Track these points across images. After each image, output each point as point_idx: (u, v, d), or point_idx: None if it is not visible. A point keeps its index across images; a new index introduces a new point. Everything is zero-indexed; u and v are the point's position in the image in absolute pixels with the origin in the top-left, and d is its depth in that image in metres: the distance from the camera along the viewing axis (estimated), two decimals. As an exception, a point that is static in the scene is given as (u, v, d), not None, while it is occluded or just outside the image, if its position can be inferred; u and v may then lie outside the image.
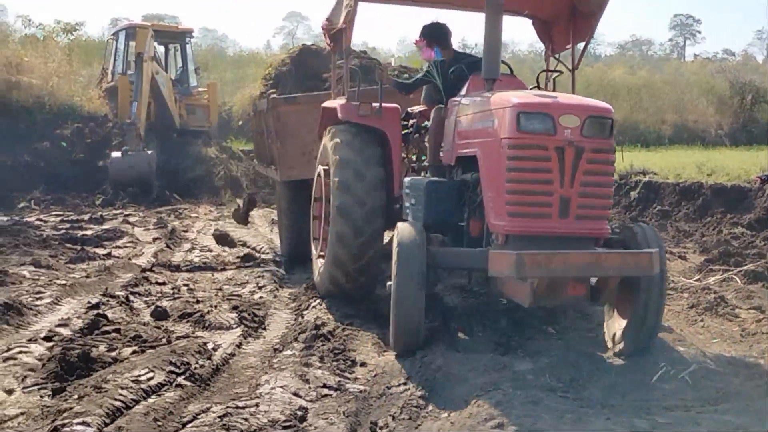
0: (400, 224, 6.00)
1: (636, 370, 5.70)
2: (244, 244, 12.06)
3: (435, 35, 7.62)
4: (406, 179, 6.95)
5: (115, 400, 4.79)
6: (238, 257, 10.70)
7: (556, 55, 7.83)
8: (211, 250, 11.42)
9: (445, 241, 6.18)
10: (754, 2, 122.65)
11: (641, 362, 5.81)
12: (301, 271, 9.69)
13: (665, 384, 5.42)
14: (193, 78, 24.08)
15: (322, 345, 6.19)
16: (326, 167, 7.68)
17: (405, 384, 5.45)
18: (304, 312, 7.49)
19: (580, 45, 7.60)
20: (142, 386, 5.08)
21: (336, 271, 7.23)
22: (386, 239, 7.51)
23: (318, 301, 7.68)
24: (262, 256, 10.99)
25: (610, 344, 6.13)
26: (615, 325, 6.12)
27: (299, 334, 6.54)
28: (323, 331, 6.47)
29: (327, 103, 8.26)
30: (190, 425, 4.66)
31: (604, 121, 5.62)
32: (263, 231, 14.02)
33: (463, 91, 6.70)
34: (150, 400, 4.93)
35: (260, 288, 8.76)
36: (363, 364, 5.92)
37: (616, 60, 57.53)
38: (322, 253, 7.68)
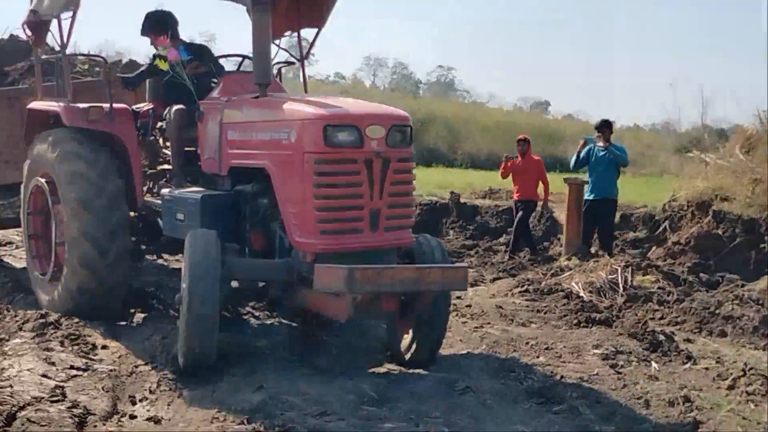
0: (192, 232, 5.45)
1: (355, 348, 6.51)
2: None
3: (165, 26, 6.98)
4: (166, 191, 6.47)
5: None
6: None
7: (277, 43, 7.29)
8: None
9: (241, 252, 5.83)
10: (363, 31, 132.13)
11: (356, 340, 6.66)
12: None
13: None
14: None
15: (55, 332, 6.18)
16: (47, 179, 6.97)
17: (153, 363, 5.74)
18: (9, 305, 7.31)
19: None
20: None
21: (81, 297, 6.59)
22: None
23: (21, 295, 7.54)
24: None
25: (405, 354, 6.05)
26: (406, 337, 6.06)
27: (23, 324, 6.45)
28: (50, 320, 6.44)
29: (37, 104, 7.43)
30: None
31: (405, 130, 5.55)
32: None
33: (216, 93, 6.43)
34: None
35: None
36: (104, 347, 6.05)
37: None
38: (53, 276, 6.99)
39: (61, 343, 5.95)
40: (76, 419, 4.56)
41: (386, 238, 5.46)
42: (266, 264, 5.72)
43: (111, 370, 5.58)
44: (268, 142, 5.62)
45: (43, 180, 7.02)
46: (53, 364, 5.50)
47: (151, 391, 5.26)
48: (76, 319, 6.56)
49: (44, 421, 4.44)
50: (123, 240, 6.58)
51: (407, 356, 5.97)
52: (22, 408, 4.61)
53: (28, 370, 5.33)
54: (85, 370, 5.50)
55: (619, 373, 5.97)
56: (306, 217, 5.33)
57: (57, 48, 7.54)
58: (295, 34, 7.48)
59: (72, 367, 5.50)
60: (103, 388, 5.19)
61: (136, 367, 5.70)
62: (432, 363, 5.91)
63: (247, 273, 5.68)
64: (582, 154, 11.59)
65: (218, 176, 6.24)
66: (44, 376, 5.25)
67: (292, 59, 7.54)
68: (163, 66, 6.62)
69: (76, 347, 5.92)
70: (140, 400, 5.14)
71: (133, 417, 4.82)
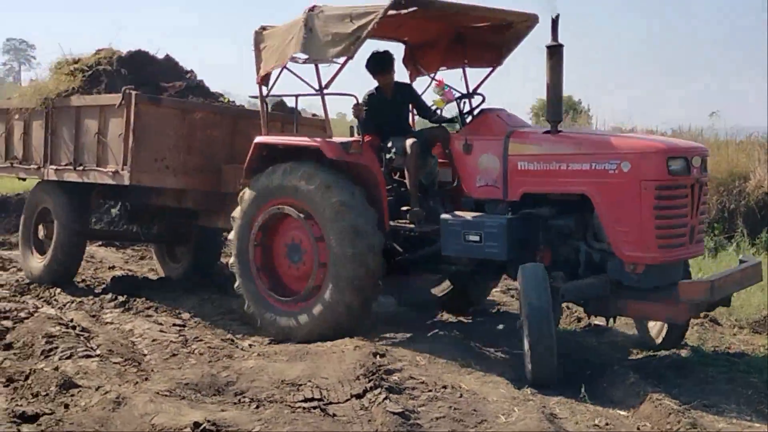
0: (523, 267, 6.10)
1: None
2: None
3: (387, 65, 7.78)
4: (447, 216, 7.02)
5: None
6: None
7: (432, 76, 8.22)
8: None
9: (565, 276, 6.37)
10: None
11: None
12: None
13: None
14: None
15: (137, 305, 8.53)
16: (298, 210, 7.32)
17: (220, 319, 8.33)
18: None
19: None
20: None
21: (347, 316, 7.15)
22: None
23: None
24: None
25: (657, 339, 7.20)
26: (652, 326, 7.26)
27: (102, 304, 8.70)
28: (122, 299, 8.73)
29: (271, 139, 7.85)
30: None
31: (707, 159, 6.60)
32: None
33: (475, 126, 7.26)
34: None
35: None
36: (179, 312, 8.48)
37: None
38: (301, 298, 7.40)
39: (155, 311, 8.35)
40: (233, 347, 7.21)
41: (696, 249, 6.62)
42: (589, 283, 6.45)
43: (199, 323, 8.04)
44: (589, 172, 6.39)
45: (291, 209, 7.37)
46: (161, 324, 7.85)
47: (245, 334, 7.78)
48: (144, 296, 8.84)
49: (215, 348, 7.06)
50: (381, 261, 7.18)
51: (659, 341, 7.17)
52: (185, 344, 7.19)
53: (147, 328, 7.66)
54: (183, 326, 7.89)
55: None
56: (642, 235, 6.19)
57: None
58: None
59: (174, 325, 7.88)
60: (213, 333, 7.71)
61: (212, 320, 8.22)
62: (681, 342, 7.20)
63: (576, 295, 6.52)
64: None
65: (494, 201, 7.00)
66: (162, 331, 7.59)
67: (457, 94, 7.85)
68: (441, 104, 7.63)
69: (164, 313, 8.33)
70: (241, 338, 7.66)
71: (251, 346, 7.40)
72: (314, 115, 9.52)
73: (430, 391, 5.64)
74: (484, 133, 7.15)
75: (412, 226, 7.32)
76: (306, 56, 7.29)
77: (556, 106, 6.69)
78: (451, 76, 8.28)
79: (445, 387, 5.73)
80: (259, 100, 8.01)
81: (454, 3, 7.32)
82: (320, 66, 7.34)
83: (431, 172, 7.67)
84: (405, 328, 7.68)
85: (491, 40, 8.02)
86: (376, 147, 7.64)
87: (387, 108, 7.76)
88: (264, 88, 7.91)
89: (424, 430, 4.98)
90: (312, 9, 7.22)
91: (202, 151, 8.99)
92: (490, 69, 8.18)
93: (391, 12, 6.97)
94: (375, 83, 7.86)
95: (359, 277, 7.03)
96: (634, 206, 6.15)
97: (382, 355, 6.39)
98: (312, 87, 7.47)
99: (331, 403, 5.44)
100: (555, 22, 6.50)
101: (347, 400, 5.47)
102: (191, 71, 10.42)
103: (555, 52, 6.54)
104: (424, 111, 8.03)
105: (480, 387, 5.84)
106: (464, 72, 8.25)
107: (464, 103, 7.72)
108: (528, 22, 7.76)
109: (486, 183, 7.03)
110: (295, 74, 7.64)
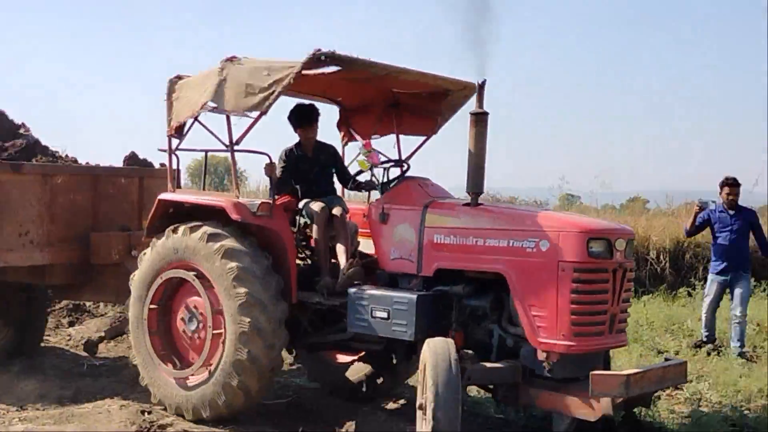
0: (430, 342, 5.58)
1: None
2: None
3: (312, 118, 7.19)
4: (354, 289, 6.39)
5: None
6: None
7: (366, 143, 7.17)
8: None
9: (475, 357, 5.86)
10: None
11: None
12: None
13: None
14: None
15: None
16: (192, 272, 6.66)
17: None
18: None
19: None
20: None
21: (238, 393, 6.40)
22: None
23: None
24: None
25: None
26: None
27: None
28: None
29: (177, 196, 7.12)
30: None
31: (633, 243, 6.09)
32: None
33: (394, 195, 6.68)
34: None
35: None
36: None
37: None
38: (200, 373, 6.64)
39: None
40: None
41: (616, 340, 5.97)
42: (500, 368, 5.88)
43: None
44: (506, 249, 5.89)
45: (187, 272, 6.71)
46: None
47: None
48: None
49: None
50: (284, 336, 6.50)
51: None
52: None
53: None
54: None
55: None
56: (558, 320, 5.63)
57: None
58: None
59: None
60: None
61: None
62: None
63: (485, 378, 5.99)
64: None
65: (407, 276, 6.47)
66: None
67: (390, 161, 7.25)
68: (364, 167, 6.93)
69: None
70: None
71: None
72: (162, 165, 8.68)
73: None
74: (402, 203, 6.61)
75: (319, 299, 6.66)
76: (215, 105, 6.55)
77: (477, 177, 6.14)
78: (384, 143, 7.66)
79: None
80: (168, 154, 7.22)
81: (381, 64, 6.48)
82: (233, 121, 6.60)
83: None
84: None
85: (427, 108, 7.50)
86: (292, 210, 7.04)
87: (306, 166, 7.17)
88: (174, 141, 7.13)
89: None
90: (230, 59, 6.60)
91: (65, 219, 8.03)
92: (424, 138, 7.65)
93: (316, 70, 6.55)
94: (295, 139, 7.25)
95: (259, 351, 6.32)
96: (551, 289, 5.65)
97: (149, 412, 6.60)
98: (222, 142, 6.69)
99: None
100: (482, 88, 6.09)
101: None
102: (23, 124, 9.27)
103: (480, 120, 6.08)
104: (342, 176, 7.43)
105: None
106: (398, 139, 7.74)
107: (386, 170, 7.10)
108: (465, 91, 7.14)
109: (400, 256, 6.49)
110: (206, 128, 6.86)
